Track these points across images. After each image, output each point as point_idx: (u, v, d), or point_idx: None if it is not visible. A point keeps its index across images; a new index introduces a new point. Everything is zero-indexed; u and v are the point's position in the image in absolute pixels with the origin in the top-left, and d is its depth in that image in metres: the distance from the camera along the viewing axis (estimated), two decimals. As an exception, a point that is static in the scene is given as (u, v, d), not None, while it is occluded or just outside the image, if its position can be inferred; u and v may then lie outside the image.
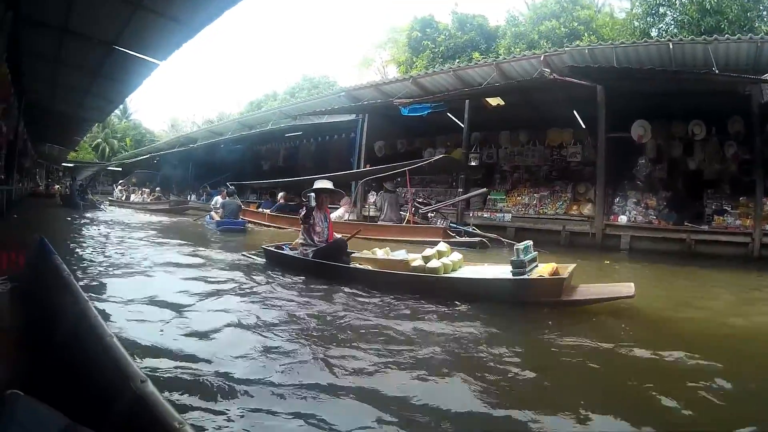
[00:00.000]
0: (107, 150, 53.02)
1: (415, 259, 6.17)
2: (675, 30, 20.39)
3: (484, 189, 14.91)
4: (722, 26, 19.15)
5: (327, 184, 7.72)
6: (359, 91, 18.39)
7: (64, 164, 41.20)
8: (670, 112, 12.84)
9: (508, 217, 14.28)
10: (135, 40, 8.88)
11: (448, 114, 15.41)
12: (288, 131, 21.77)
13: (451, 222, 13.89)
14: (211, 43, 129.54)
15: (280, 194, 17.80)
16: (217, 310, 4.99)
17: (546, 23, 24.21)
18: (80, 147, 42.32)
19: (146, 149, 41.59)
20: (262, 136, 23.99)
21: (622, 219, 12.70)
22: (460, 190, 14.85)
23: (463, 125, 15.35)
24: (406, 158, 17.24)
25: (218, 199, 16.40)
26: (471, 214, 14.69)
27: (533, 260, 5.62)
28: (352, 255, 7.01)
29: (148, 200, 27.42)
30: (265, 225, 15.82)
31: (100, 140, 53.32)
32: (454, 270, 6.11)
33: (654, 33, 21.64)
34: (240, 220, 14.51)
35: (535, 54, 13.94)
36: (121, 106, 54.44)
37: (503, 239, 12.30)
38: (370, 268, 6.46)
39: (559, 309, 5.13)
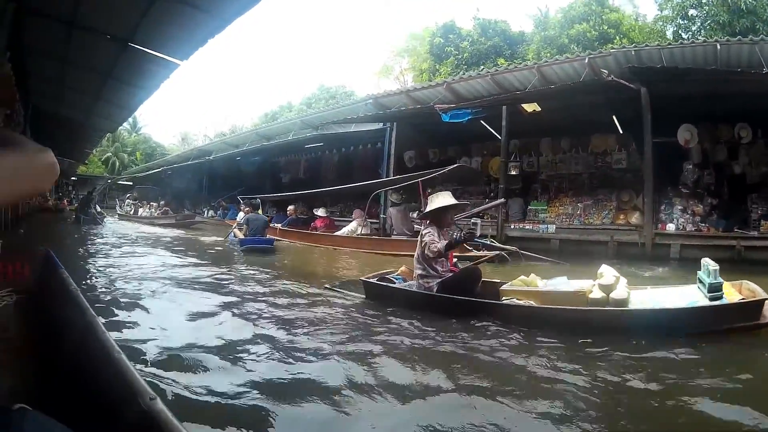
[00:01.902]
0: (117, 164, 52.55)
1: (590, 290, 4.99)
2: (710, 32, 19.94)
3: (502, 199, 13.79)
4: (757, 27, 19.09)
5: (448, 199, 6.18)
6: (387, 98, 17.48)
7: (73, 178, 40.58)
8: (713, 114, 12.30)
9: (551, 228, 13.38)
10: (153, 35, 7.82)
11: (482, 121, 14.52)
12: (309, 142, 20.81)
13: None
14: (222, 53, 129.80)
15: (290, 207, 17.15)
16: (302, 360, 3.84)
17: (577, 26, 23.51)
18: (90, 161, 41.83)
19: (158, 162, 40.78)
20: (281, 147, 23.07)
21: (670, 227, 11.98)
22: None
23: (495, 133, 14.62)
24: (439, 168, 16.65)
25: (241, 215, 15.14)
26: (512, 226, 13.89)
27: None
28: (502, 287, 5.50)
29: (156, 214, 26.92)
30: (275, 239, 14.75)
31: (110, 154, 52.98)
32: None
33: (685, 36, 21.11)
34: (268, 237, 13.23)
35: (579, 56, 13.16)
36: (130, 119, 54.35)
37: (522, 252, 11.41)
38: (533, 303, 5.08)
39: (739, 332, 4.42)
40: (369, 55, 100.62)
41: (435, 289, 5.59)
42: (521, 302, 5.08)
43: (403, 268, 6.57)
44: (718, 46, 11.42)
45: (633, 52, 12.23)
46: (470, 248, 11.60)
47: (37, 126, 15.44)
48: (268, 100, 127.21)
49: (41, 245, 2.79)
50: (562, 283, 5.43)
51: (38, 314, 2.41)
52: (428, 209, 6.02)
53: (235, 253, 11.99)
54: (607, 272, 5.07)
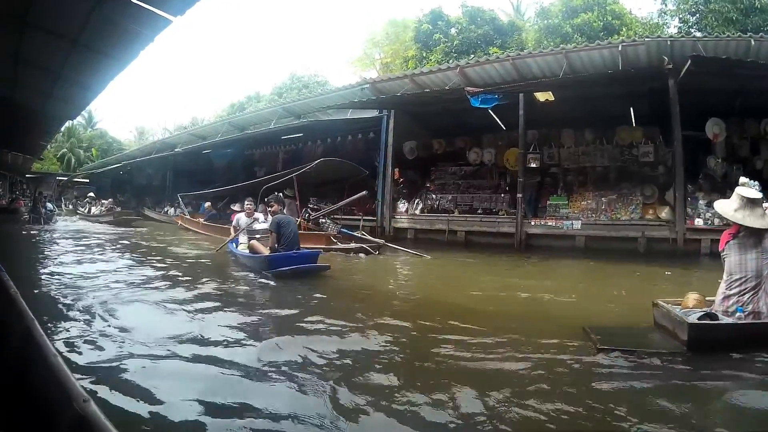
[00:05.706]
0: (73, 160, 49.71)
1: None
2: (720, 28, 19.61)
3: (364, 192, 14.27)
4: (768, 25, 19.46)
5: (755, 191, 4.37)
6: (387, 83, 15.95)
7: (28, 175, 38.05)
8: (733, 109, 12.67)
9: (576, 224, 12.72)
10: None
11: (489, 111, 13.64)
12: (292, 132, 19.12)
13: (341, 228, 13.62)
14: (180, 40, 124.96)
15: (207, 203, 15.98)
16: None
17: (582, 15, 23.00)
18: (45, 157, 39.23)
19: (118, 157, 38.16)
20: (256, 139, 21.39)
21: (698, 222, 11.69)
22: (519, 195, 13.00)
23: (500, 123, 14.33)
24: (445, 160, 16.48)
25: (240, 217, 10.76)
26: (532, 223, 13.17)
27: None
28: None
29: (103, 211, 26.39)
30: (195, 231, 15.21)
31: (65, 150, 50.17)
32: None
33: (692, 32, 21.01)
34: (307, 250, 8.78)
35: (612, 43, 12.58)
36: (86, 113, 51.99)
37: (389, 245, 12.51)
38: None
39: None
40: (343, 42, 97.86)
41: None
42: None
43: (695, 296, 4.78)
44: (752, 42, 11.20)
45: (668, 43, 11.80)
46: (335, 241, 12.42)
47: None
48: (233, 90, 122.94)
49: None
50: None
51: None
52: (755, 217, 4.28)
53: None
54: None
